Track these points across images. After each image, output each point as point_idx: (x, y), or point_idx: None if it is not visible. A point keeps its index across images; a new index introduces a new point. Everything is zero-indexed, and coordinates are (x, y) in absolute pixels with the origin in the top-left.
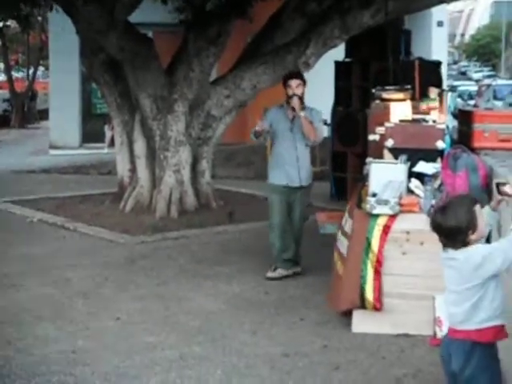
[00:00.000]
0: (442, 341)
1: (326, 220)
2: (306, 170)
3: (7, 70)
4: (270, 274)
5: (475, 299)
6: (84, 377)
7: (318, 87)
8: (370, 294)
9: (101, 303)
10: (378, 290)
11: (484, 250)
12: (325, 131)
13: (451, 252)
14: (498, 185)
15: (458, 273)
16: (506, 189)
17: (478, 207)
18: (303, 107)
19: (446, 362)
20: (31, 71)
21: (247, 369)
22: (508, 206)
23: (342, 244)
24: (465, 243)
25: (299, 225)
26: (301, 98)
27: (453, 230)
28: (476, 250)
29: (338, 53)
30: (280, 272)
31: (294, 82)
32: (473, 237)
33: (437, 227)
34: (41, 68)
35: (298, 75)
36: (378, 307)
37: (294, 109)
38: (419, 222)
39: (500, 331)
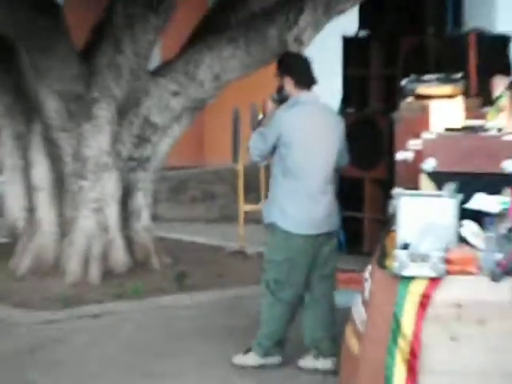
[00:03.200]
0: None
1: (340, 285)
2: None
3: None
4: (236, 360)
5: None
6: None
7: (319, 77)
8: None
9: None
10: None
11: None
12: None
13: None
14: None
15: None
16: None
17: None
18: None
19: None
20: None
21: None
22: None
23: (360, 317)
24: None
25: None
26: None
27: None
28: None
29: (349, 23)
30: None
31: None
32: None
33: None
34: None
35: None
36: None
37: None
38: (477, 289)
39: None
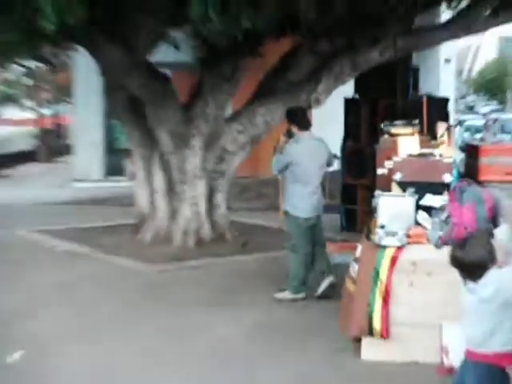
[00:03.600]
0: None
1: (337, 250)
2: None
3: (36, 108)
4: (278, 295)
5: (495, 321)
6: None
7: (329, 122)
8: (377, 323)
9: (121, 329)
10: (386, 319)
11: (502, 276)
12: (335, 164)
13: (471, 284)
14: None
15: (478, 299)
16: None
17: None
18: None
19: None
20: (58, 108)
21: None
22: None
23: (354, 270)
24: (484, 274)
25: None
26: (289, 131)
27: (474, 265)
28: (495, 278)
29: (348, 90)
30: (285, 295)
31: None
32: (492, 267)
33: (457, 263)
34: (67, 105)
35: (294, 112)
36: (384, 336)
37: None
38: (426, 253)
39: None
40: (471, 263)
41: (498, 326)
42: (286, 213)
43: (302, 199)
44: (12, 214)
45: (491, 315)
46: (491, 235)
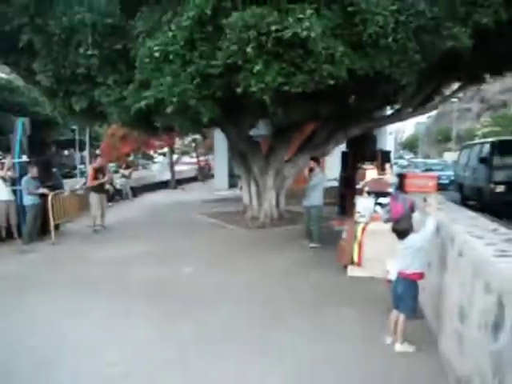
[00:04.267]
0: (392, 280)
1: (337, 224)
2: (314, 198)
3: (197, 156)
4: (311, 245)
5: (412, 257)
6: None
7: (334, 163)
8: (355, 258)
9: (234, 257)
10: (360, 256)
11: (415, 237)
12: (335, 183)
13: (401, 241)
14: (424, 199)
15: (404, 247)
16: (429, 200)
17: (413, 218)
18: (311, 170)
19: (394, 288)
20: (207, 156)
21: (294, 291)
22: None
23: (344, 233)
24: (407, 236)
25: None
26: (311, 168)
27: (403, 231)
28: (413, 237)
29: (342, 147)
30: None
31: (311, 162)
32: (411, 232)
33: (394, 230)
34: (211, 155)
35: (314, 158)
36: (359, 264)
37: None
38: (379, 226)
39: (422, 275)
40: (401, 230)
41: (414, 259)
42: (315, 206)
43: (321, 198)
44: (187, 206)
45: (410, 254)
46: (411, 217)
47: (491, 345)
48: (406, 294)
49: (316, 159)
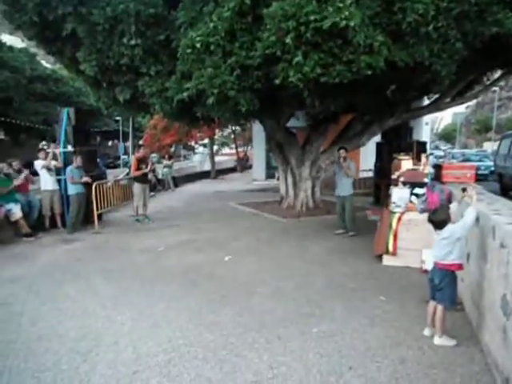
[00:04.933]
0: (430, 270)
1: (371, 213)
2: (346, 188)
3: (236, 148)
4: (349, 233)
5: (450, 248)
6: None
7: (369, 154)
8: (391, 247)
9: (272, 244)
10: (395, 246)
11: (453, 227)
12: (370, 173)
13: (438, 231)
14: (463, 189)
15: (441, 237)
16: (468, 190)
17: (451, 208)
18: (345, 160)
19: (431, 278)
20: (245, 148)
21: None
22: (465, 203)
23: (380, 221)
24: (445, 226)
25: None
26: (344, 157)
27: (440, 222)
28: (451, 228)
29: (377, 138)
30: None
31: (341, 151)
32: (449, 223)
33: (431, 221)
34: (250, 146)
35: (343, 147)
36: (394, 254)
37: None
38: (415, 215)
39: (460, 266)
40: (439, 221)
41: (452, 249)
42: (348, 195)
43: (352, 188)
44: (226, 196)
45: (448, 245)
46: (448, 208)
47: None
48: (443, 284)
49: (345, 149)
